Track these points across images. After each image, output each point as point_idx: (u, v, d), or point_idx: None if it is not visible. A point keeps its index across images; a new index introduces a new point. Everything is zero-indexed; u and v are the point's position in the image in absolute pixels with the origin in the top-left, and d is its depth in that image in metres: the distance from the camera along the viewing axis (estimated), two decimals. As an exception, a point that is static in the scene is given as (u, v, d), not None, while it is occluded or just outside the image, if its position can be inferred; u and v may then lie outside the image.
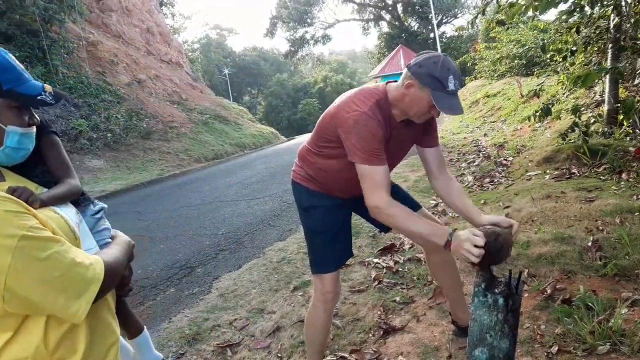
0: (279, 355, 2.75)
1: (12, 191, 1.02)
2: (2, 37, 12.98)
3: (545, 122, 7.93)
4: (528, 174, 5.76)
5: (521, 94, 11.77)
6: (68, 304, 0.99)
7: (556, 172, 5.45)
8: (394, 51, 32.84)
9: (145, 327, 2.54)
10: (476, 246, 1.61)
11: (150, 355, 2.50)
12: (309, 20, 43.36)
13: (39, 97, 1.09)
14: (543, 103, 5.99)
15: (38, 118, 1.17)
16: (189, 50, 42.08)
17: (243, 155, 18.68)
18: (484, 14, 5.60)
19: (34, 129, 1.13)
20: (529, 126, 8.72)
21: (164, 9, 32.60)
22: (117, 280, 1.16)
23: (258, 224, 6.01)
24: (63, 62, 15.76)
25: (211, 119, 21.35)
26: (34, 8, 13.65)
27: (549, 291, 2.73)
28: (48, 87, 1.13)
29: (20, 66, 1.09)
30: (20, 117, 1.08)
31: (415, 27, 40.19)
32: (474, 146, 9.43)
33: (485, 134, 10.58)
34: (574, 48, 5.57)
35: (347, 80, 55.52)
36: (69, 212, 1.23)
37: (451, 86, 1.75)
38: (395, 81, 1.99)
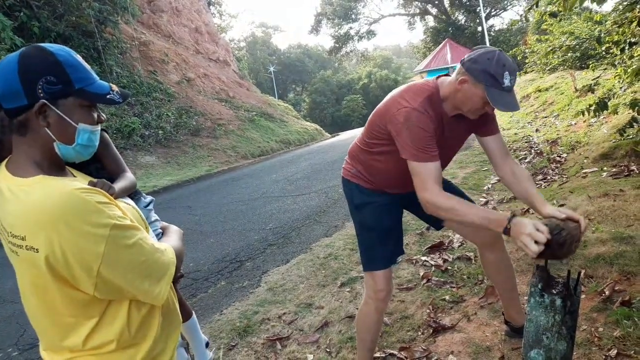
0: (328, 350, 2.77)
1: (93, 185, 1.08)
2: (60, 38, 13.59)
3: (601, 117, 7.59)
4: (583, 171, 5.54)
5: (575, 88, 11.32)
6: (151, 287, 1.06)
7: (614, 169, 5.22)
8: (441, 45, 32.32)
9: (193, 312, 2.66)
10: (536, 242, 1.55)
11: (198, 337, 2.65)
12: (353, 16, 43.27)
13: (108, 96, 1.12)
14: (599, 97, 5.74)
15: (104, 116, 1.22)
16: (235, 48, 42.87)
17: (288, 152, 18.85)
18: (537, 6, 5.41)
19: (99, 126, 1.17)
20: (584, 121, 8.37)
21: (212, 9, 33.31)
22: (181, 265, 1.23)
23: (304, 220, 6.07)
24: (117, 62, 16.40)
25: (257, 116, 21.66)
26: (89, 10, 14.25)
27: (607, 293, 2.63)
28: (114, 87, 1.17)
29: (87, 66, 1.12)
30: (91, 116, 1.11)
31: (463, 21, 39.35)
32: (525, 142, 9.15)
33: (537, 130, 10.24)
34: (633, 40, 5.30)
35: (392, 76, 54.88)
36: (132, 204, 1.30)
37: (506, 82, 1.71)
38: (447, 75, 1.97)
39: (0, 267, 5.47)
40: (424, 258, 3.82)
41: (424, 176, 1.81)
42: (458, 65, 1.85)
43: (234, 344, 3.00)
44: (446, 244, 4.03)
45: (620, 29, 5.42)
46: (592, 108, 5.11)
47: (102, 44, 15.32)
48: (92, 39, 15.00)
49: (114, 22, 15.82)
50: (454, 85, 1.83)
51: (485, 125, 2.05)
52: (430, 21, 41.62)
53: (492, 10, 38.18)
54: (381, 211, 2.17)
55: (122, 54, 17.18)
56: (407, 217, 2.39)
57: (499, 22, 39.84)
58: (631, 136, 5.67)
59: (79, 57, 1.11)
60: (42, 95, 1.02)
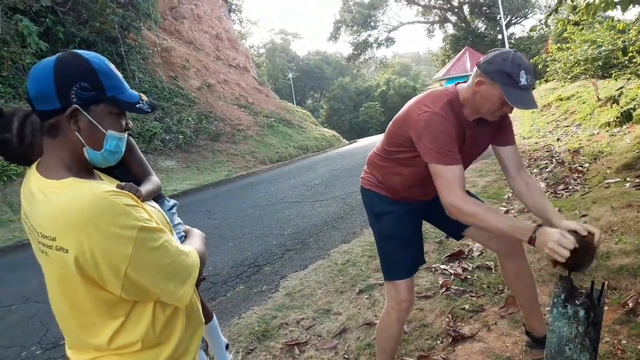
0: (346, 356, 2.78)
1: (121, 188, 1.11)
2: (84, 43, 13.89)
3: (625, 127, 7.48)
4: (606, 181, 5.46)
5: (597, 97, 11.16)
6: (176, 289, 1.08)
7: (637, 180, 5.13)
8: (460, 53, 32.07)
9: (214, 314, 2.69)
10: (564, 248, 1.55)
11: (219, 339, 2.68)
12: (372, 23, 43.26)
13: (137, 105, 1.15)
14: (622, 107, 5.65)
15: (132, 124, 1.25)
16: (255, 55, 43.17)
17: (306, 158, 18.91)
18: (557, 12, 5.37)
19: (126, 134, 1.20)
20: (607, 131, 8.25)
21: (232, 15, 33.64)
22: (203, 267, 1.25)
23: (322, 226, 6.09)
24: (139, 67, 16.67)
25: (276, 122, 21.78)
26: (113, 16, 14.53)
27: (630, 305, 2.59)
28: (144, 96, 1.19)
29: (120, 74, 1.15)
30: (119, 123, 1.14)
31: (483, 29, 39.07)
32: (547, 151, 9.05)
33: (558, 139, 10.11)
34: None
35: (411, 83, 54.73)
36: (158, 207, 1.33)
37: (523, 81, 1.71)
38: (465, 81, 1.98)
39: (25, 267, 5.60)
40: (443, 266, 3.80)
41: (448, 180, 1.80)
42: (475, 68, 1.86)
43: (252, 348, 3.03)
44: (466, 253, 4.01)
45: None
46: (618, 119, 5.03)
47: (125, 50, 15.60)
48: (116, 44, 15.29)
49: (136, 28, 16.11)
50: (472, 87, 1.84)
51: (502, 134, 2.05)
52: (450, 29, 41.46)
53: (513, 18, 37.86)
54: (400, 220, 2.16)
55: (144, 59, 17.47)
56: (426, 225, 2.38)
57: (520, 30, 39.42)
58: (656, 147, 5.58)
59: (112, 66, 1.13)
60: (75, 100, 1.05)
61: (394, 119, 2.07)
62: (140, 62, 16.96)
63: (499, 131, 2.04)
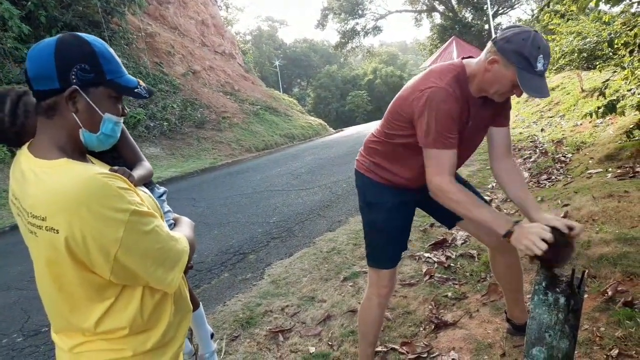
0: (330, 343, 2.79)
1: (114, 172, 1.10)
2: (67, 28, 13.61)
3: (607, 118, 7.57)
4: (588, 171, 5.53)
5: (582, 88, 11.26)
6: (165, 274, 1.08)
7: (619, 171, 5.20)
8: (447, 43, 32.04)
9: (200, 302, 2.68)
10: (543, 240, 1.55)
11: (204, 327, 2.68)
12: (360, 11, 43.01)
13: (136, 90, 1.15)
14: (605, 98, 5.71)
15: (127, 110, 1.23)
16: (241, 41, 42.77)
17: (292, 146, 18.87)
18: (549, 5, 5.39)
19: (122, 118, 1.19)
20: (590, 122, 8.33)
21: (218, 1, 33.23)
22: (193, 254, 1.24)
23: (308, 214, 6.09)
24: (123, 53, 16.41)
25: (262, 110, 21.67)
26: (96, 0, 14.25)
27: (610, 293, 2.64)
28: (141, 82, 1.20)
29: (118, 59, 1.15)
30: (116, 107, 1.14)
31: (470, 19, 39.08)
32: (531, 141, 9.14)
33: (542, 129, 10.20)
34: (643, 42, 5.27)
35: (398, 72, 54.69)
36: (149, 192, 1.32)
37: (539, 66, 1.63)
38: (471, 57, 1.90)
39: (6, 254, 5.51)
40: (427, 255, 3.83)
41: (439, 162, 1.76)
42: (489, 44, 1.77)
43: (236, 335, 3.03)
44: (449, 241, 4.04)
45: (632, 32, 5.39)
46: (601, 110, 5.08)
47: (109, 35, 15.34)
48: (99, 29, 15.02)
49: (120, 12, 15.84)
50: (483, 64, 1.75)
51: (502, 115, 2.00)
52: (437, 18, 41.40)
53: (500, 8, 37.94)
54: (393, 212, 2.10)
55: (128, 45, 17.21)
56: (412, 214, 2.36)
57: (507, 20, 39.45)
58: (637, 138, 5.66)
59: (112, 50, 1.14)
60: (74, 81, 1.04)
61: (396, 96, 1.99)
62: (124, 47, 16.69)
63: (502, 112, 1.99)
